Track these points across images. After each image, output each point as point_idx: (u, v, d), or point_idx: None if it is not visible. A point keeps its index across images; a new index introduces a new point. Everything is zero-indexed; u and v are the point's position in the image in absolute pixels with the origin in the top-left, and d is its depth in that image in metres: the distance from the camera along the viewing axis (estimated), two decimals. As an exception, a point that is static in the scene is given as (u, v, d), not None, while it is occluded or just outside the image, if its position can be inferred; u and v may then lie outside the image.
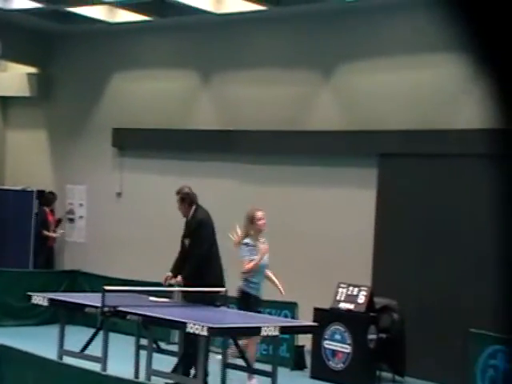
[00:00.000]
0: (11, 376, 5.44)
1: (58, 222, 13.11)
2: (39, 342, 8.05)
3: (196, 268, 7.64)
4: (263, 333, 6.63)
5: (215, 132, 11.55)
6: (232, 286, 7.88)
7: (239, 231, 7.81)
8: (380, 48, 10.07)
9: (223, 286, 7.73)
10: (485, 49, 1.01)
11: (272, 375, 6.95)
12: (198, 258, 7.64)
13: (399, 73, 9.88)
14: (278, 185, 10.90)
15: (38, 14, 12.13)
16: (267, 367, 7.21)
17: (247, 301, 7.67)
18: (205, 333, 6.24)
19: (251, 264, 7.65)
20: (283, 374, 7.77)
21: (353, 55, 10.35)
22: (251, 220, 7.77)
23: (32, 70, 13.71)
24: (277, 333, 6.74)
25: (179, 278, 7.70)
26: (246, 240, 7.72)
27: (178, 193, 7.90)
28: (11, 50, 12.64)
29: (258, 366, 7.65)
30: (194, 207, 7.83)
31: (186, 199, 7.83)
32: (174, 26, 11.91)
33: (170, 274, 7.74)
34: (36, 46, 13.49)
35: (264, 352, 9.12)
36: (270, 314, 8.96)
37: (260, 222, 7.78)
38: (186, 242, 7.78)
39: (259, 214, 7.83)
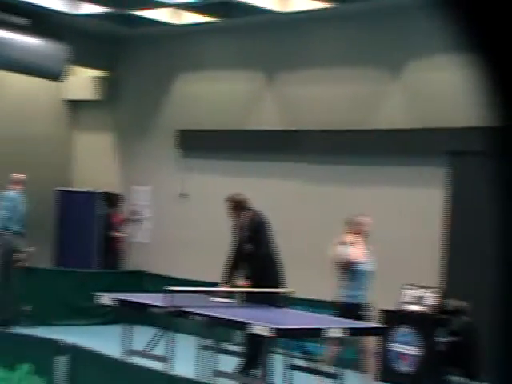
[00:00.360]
0: (80, 374, 5.48)
1: (123, 222, 13.27)
2: (105, 341, 8.11)
3: (259, 269, 7.63)
4: (329, 334, 6.52)
5: (279, 132, 11.48)
6: (292, 285, 7.79)
7: (341, 238, 7.77)
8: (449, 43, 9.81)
9: (284, 286, 7.69)
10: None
11: (338, 377, 6.84)
12: (261, 260, 7.62)
13: (468, 69, 9.61)
14: (343, 185, 10.76)
15: (105, 18, 12.30)
16: (334, 369, 7.09)
17: (347, 309, 7.56)
18: (268, 334, 6.17)
19: (355, 254, 7.54)
20: (350, 376, 7.65)
21: (420, 52, 10.13)
22: (354, 225, 7.75)
23: (99, 73, 13.94)
24: (343, 335, 6.63)
25: (243, 282, 7.71)
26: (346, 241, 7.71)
27: (229, 201, 7.92)
28: (79, 54, 12.86)
29: (324, 368, 7.54)
30: (247, 212, 7.84)
31: (238, 206, 7.87)
32: (238, 26, 11.91)
33: (224, 283, 7.75)
34: (103, 50, 13.70)
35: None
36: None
37: (363, 228, 7.77)
38: (247, 245, 7.77)
39: (363, 219, 7.83)
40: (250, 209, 7.88)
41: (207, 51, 12.50)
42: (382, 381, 8.62)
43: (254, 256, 7.68)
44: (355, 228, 7.77)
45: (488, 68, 1.00)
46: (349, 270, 7.66)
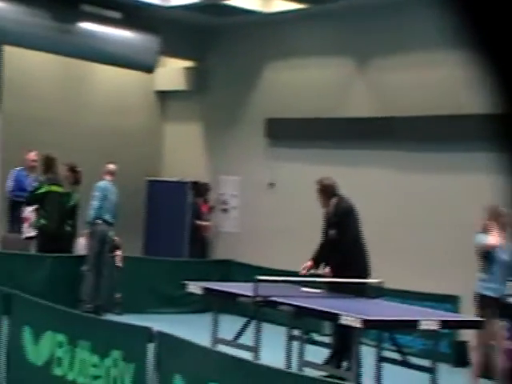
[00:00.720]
0: (168, 361, 5.49)
1: (211, 211, 13.34)
2: (193, 330, 8.14)
3: (344, 258, 7.50)
4: (422, 327, 6.33)
5: (372, 119, 11.22)
6: (382, 275, 7.59)
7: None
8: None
9: (369, 277, 7.53)
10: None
11: (432, 371, 6.63)
12: (346, 248, 7.49)
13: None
14: (436, 172, 10.42)
15: (195, 8, 12.36)
16: (426, 362, 6.89)
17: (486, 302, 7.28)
18: (358, 325, 6.03)
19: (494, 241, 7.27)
20: (444, 370, 7.41)
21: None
22: (497, 215, 7.49)
23: (189, 64, 14.04)
24: (437, 327, 6.41)
25: (326, 269, 7.59)
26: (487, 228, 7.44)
27: (317, 184, 7.81)
28: (169, 45, 12.99)
29: (416, 361, 7.34)
30: (335, 198, 7.71)
31: (326, 191, 7.74)
32: (329, 12, 11.72)
33: (309, 263, 7.65)
34: (193, 41, 13.79)
35: (423, 347, 8.75)
36: (429, 307, 8.59)
37: (503, 218, 7.49)
38: (331, 232, 7.65)
39: (503, 210, 7.56)
40: (337, 194, 7.76)
41: (297, 39, 12.37)
42: (480, 376, 8.32)
43: (338, 243, 7.56)
44: (496, 217, 7.44)
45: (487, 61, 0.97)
46: (487, 257, 7.33)
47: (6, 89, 12.47)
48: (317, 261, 7.65)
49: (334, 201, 7.70)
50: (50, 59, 12.76)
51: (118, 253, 11.18)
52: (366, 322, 6.02)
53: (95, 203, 10.66)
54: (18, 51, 12.23)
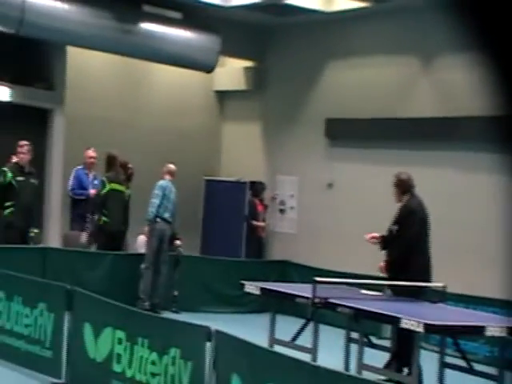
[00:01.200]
0: (226, 361, 5.47)
1: (265, 209, 13.30)
2: (250, 329, 8.12)
3: (400, 256, 7.37)
4: (488, 333, 6.14)
5: (435, 119, 11.01)
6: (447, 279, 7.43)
7: None
8: None
9: (430, 280, 7.38)
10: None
11: (498, 379, 6.44)
12: (403, 247, 7.36)
13: None
14: (506, 173, 10.15)
15: (256, 8, 12.34)
16: (492, 370, 6.69)
17: None
18: (421, 329, 5.89)
19: None
20: (511, 378, 7.20)
21: None
22: None
23: (247, 63, 14.04)
24: (504, 334, 6.21)
25: (382, 263, 7.50)
26: None
27: (395, 177, 7.74)
28: (229, 45, 13.01)
29: (481, 368, 7.15)
30: (407, 195, 7.61)
31: (400, 186, 7.65)
32: (391, 10, 11.55)
33: (378, 235, 7.56)
34: (253, 40, 13.78)
35: (488, 354, 8.53)
36: (495, 313, 8.37)
37: None
38: (393, 227, 7.55)
39: None
40: (411, 192, 7.66)
41: (359, 37, 12.23)
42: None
43: (397, 240, 7.44)
44: None
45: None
46: None
47: (68, 89, 12.68)
48: (384, 241, 7.56)
49: (405, 197, 7.63)
50: (110, 60, 12.93)
51: (178, 242, 11.23)
52: (428, 326, 5.88)
53: (155, 201, 10.73)
54: (79, 52, 12.42)
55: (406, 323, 5.99)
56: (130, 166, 11.18)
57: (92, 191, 11.08)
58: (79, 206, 11.15)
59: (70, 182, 11.38)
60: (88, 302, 6.69)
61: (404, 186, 7.64)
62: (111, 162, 10.93)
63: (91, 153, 11.48)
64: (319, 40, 12.86)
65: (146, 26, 12.21)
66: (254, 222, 13.05)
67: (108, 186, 10.80)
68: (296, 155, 13.13)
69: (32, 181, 10.58)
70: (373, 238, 7.65)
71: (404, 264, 7.35)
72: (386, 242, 7.58)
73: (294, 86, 13.28)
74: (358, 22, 12.12)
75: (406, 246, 7.39)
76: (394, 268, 7.40)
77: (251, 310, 11.00)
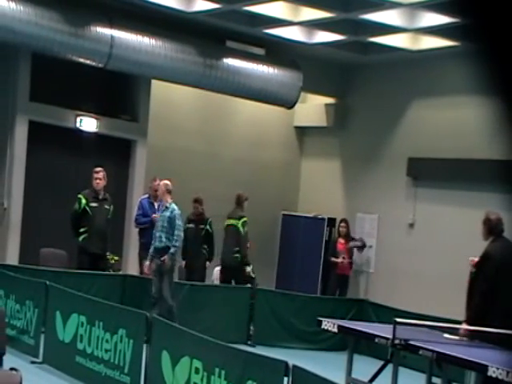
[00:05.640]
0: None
1: (347, 249, 13.15)
2: (326, 367, 7.99)
3: (479, 302, 7.09)
4: None
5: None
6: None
7: None
8: None
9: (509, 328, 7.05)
10: None
11: None
12: (480, 292, 7.08)
13: None
14: None
15: (340, 45, 12.37)
16: None
17: None
18: (509, 379, 5.65)
19: None
20: None
21: None
22: None
23: (329, 100, 14.06)
24: None
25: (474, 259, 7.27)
26: None
27: (485, 214, 7.49)
28: (311, 81, 13.07)
29: None
30: (492, 236, 7.32)
31: (487, 224, 7.37)
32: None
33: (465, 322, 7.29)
34: (335, 77, 13.81)
35: None
36: None
37: None
38: (472, 271, 7.32)
39: None
40: (496, 235, 7.31)
41: (444, 76, 12.09)
42: None
43: (475, 285, 7.17)
44: None
45: None
46: None
47: (151, 121, 12.96)
48: (470, 279, 7.32)
49: (490, 239, 7.34)
50: (192, 93, 13.16)
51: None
52: (515, 374, 5.65)
53: (181, 235, 10.51)
54: (163, 85, 12.70)
55: (493, 371, 5.76)
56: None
57: (154, 215, 10.98)
58: (145, 235, 11.09)
59: (136, 211, 11.48)
60: (166, 330, 6.73)
61: (490, 226, 7.36)
62: (239, 200, 11.46)
63: (157, 183, 11.59)
64: (403, 78, 12.78)
65: (230, 61, 12.40)
66: (333, 259, 12.93)
67: (226, 222, 11.44)
68: (376, 193, 13.00)
69: (106, 206, 10.69)
70: (473, 262, 7.40)
71: (483, 314, 7.07)
72: (470, 284, 7.35)
73: (376, 124, 13.20)
74: (443, 60, 11.98)
75: (481, 292, 7.12)
76: (474, 319, 7.12)
77: (326, 348, 10.84)
